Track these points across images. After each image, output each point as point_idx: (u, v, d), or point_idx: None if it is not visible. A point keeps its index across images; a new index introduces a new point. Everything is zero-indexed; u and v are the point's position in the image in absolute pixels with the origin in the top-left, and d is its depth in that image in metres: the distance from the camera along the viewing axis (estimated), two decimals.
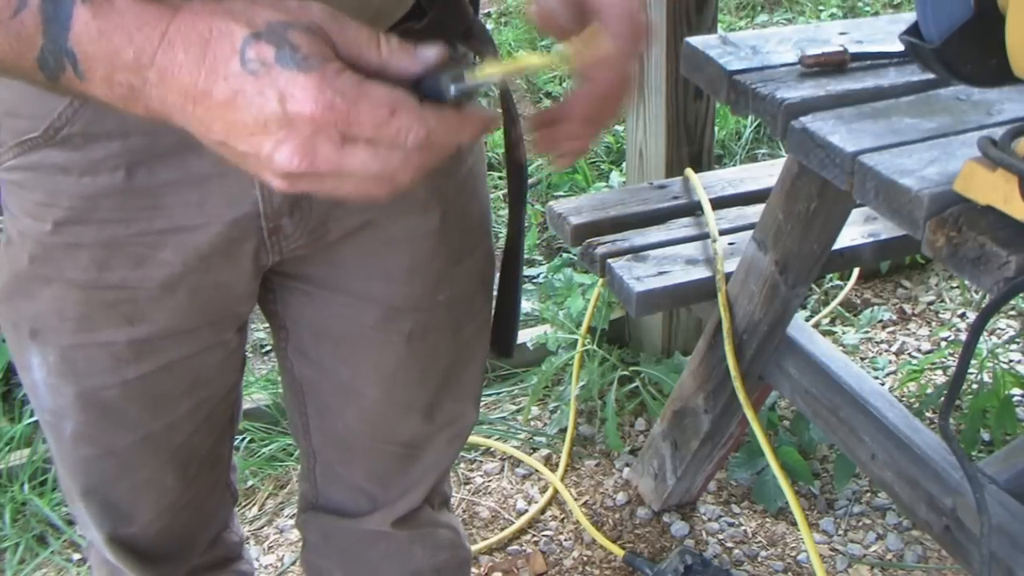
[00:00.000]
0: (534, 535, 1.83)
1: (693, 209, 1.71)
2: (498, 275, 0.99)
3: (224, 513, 1.14)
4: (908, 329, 2.33)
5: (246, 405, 1.89)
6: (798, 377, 1.52)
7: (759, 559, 1.77)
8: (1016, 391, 2.01)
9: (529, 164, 1.31)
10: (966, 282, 2.36)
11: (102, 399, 0.89)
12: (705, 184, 1.74)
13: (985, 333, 2.22)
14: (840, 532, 1.83)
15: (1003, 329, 2.31)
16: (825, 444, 1.96)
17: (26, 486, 1.83)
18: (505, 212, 1.46)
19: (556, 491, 1.90)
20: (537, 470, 1.95)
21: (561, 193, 2.72)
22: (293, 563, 1.76)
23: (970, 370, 1.93)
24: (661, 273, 1.56)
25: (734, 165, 2.76)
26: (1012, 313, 2.34)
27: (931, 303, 2.41)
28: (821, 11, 3.76)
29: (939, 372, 2.16)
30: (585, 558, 1.78)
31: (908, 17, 1.13)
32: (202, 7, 0.55)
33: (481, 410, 1.43)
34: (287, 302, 0.96)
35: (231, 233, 0.81)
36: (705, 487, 1.86)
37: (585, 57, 0.67)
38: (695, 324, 2.05)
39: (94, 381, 0.87)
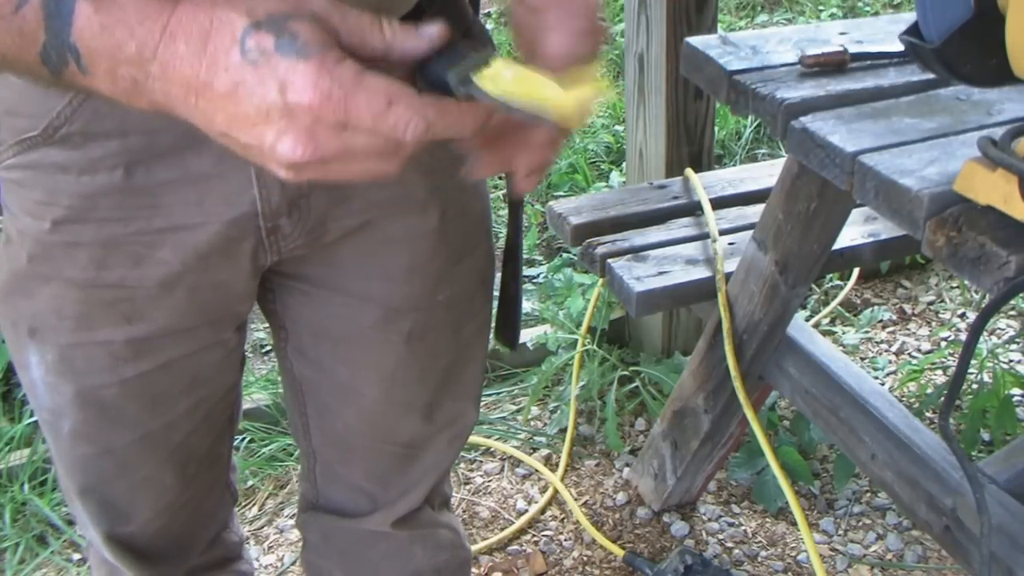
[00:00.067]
0: (534, 535, 1.83)
1: (693, 209, 1.71)
2: (498, 273, 0.99)
3: (223, 513, 1.14)
4: (908, 329, 2.33)
5: (246, 405, 1.90)
6: (798, 377, 1.52)
7: (759, 559, 1.77)
8: (1016, 391, 2.01)
9: None
10: (966, 282, 2.36)
11: (100, 398, 0.89)
12: (705, 184, 1.74)
13: (985, 333, 2.22)
14: (840, 532, 1.82)
15: (1003, 329, 2.31)
16: (825, 444, 1.96)
17: (26, 486, 1.83)
18: (505, 212, 1.46)
19: (556, 491, 1.90)
20: (537, 470, 1.95)
21: (561, 193, 2.72)
22: (293, 563, 1.76)
23: (970, 370, 1.93)
24: (661, 273, 1.56)
25: (734, 165, 2.75)
26: (1012, 313, 2.34)
27: (931, 303, 2.41)
28: (821, 11, 3.76)
29: (939, 372, 2.16)
30: (585, 558, 1.78)
31: (908, 17, 1.13)
32: None
33: (481, 410, 1.43)
34: (286, 302, 0.96)
35: (229, 232, 0.81)
36: (705, 487, 1.86)
37: (591, 100, 0.64)
38: (695, 324, 2.05)
39: (92, 380, 0.87)
